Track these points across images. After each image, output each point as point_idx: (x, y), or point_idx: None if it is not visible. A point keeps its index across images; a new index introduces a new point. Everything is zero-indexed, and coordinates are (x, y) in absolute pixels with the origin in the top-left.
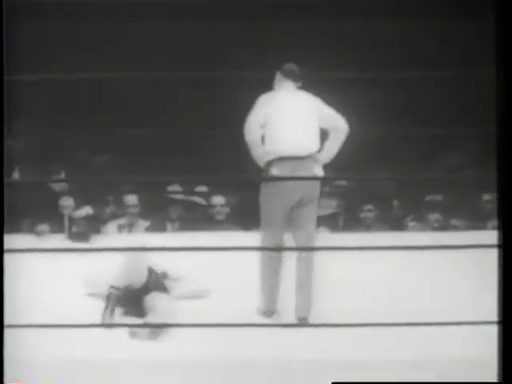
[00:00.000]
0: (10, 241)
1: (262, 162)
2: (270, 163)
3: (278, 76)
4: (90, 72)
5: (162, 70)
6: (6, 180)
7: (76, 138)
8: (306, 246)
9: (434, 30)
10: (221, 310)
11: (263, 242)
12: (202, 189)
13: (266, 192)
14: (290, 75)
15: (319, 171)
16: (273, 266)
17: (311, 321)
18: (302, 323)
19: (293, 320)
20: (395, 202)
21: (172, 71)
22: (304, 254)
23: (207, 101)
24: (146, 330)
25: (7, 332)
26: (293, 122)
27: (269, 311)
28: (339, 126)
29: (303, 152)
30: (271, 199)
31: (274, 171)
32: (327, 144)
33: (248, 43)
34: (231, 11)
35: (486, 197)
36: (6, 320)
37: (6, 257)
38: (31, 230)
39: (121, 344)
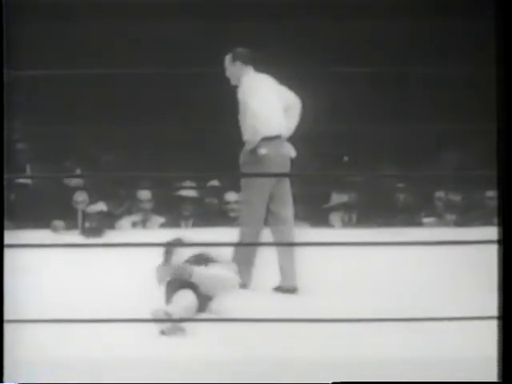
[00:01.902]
0: (22, 236)
1: (250, 145)
2: (258, 145)
3: (239, 63)
4: (95, 69)
5: (170, 67)
6: (17, 176)
7: (87, 134)
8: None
9: (434, 29)
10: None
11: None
12: (215, 184)
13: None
14: (248, 59)
15: (291, 149)
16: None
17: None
18: (311, 319)
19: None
20: (396, 199)
21: (178, 68)
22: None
23: (219, 96)
24: (171, 326)
25: (7, 327)
26: (269, 103)
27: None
28: (295, 102)
29: (281, 130)
30: (252, 191)
31: (263, 151)
32: (287, 121)
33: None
34: (223, 11)
35: (487, 193)
36: (6, 315)
37: (7, 252)
38: (44, 225)
39: (126, 341)
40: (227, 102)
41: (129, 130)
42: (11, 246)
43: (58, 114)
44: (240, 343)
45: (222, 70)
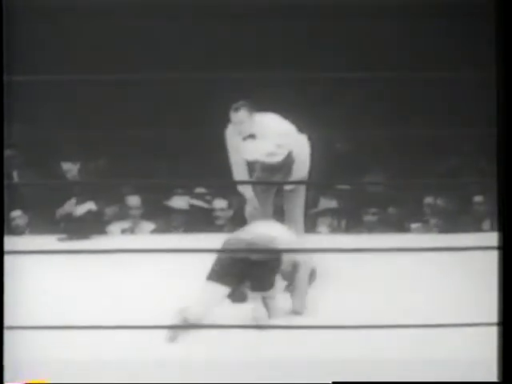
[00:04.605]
0: (12, 242)
1: None
2: None
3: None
4: (90, 73)
5: (162, 70)
6: (6, 181)
7: (78, 139)
8: None
9: (434, 29)
10: None
11: None
12: (203, 191)
13: None
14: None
15: None
16: None
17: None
18: (305, 326)
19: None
20: (393, 204)
21: (172, 71)
22: None
23: (208, 101)
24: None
25: (7, 333)
26: None
27: None
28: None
29: None
30: None
31: None
32: None
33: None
34: (232, 12)
35: (486, 198)
36: (6, 321)
37: (7, 258)
38: (34, 231)
39: (122, 345)
40: (221, 107)
41: (118, 136)
42: (10, 252)
43: (49, 119)
44: (240, 345)
45: (221, 75)
